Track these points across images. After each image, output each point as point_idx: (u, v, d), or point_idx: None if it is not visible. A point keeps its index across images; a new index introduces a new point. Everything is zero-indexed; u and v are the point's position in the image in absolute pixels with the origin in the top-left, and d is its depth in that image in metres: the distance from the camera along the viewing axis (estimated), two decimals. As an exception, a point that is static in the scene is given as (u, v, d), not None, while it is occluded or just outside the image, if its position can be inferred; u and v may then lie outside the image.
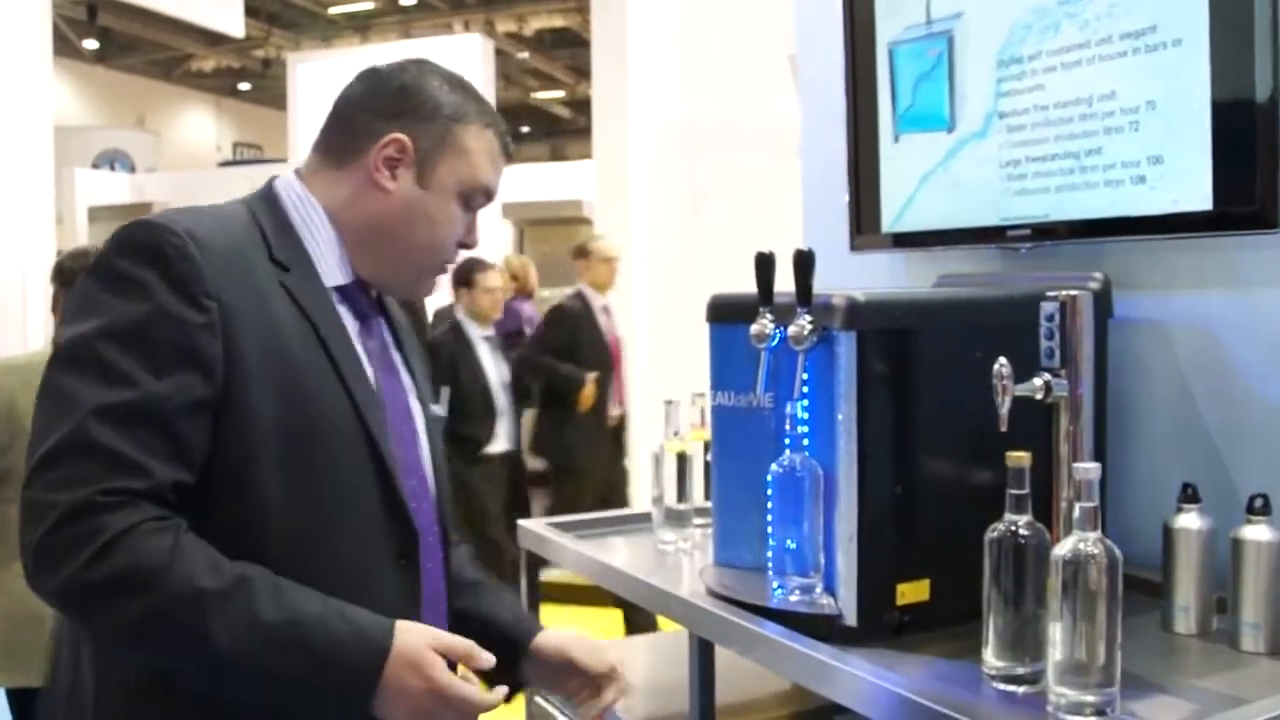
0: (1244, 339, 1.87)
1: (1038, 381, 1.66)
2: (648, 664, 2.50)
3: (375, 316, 1.64)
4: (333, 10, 15.41)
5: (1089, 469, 1.40)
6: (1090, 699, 1.39)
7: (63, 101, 15.32)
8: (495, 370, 5.34)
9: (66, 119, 13.01)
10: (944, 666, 1.60)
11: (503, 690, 1.49)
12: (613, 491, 5.78)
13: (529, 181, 10.98)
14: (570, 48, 16.25)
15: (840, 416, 1.71)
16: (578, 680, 1.75)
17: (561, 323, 5.77)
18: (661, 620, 2.78)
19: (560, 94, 19.27)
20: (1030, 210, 2.08)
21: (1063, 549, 1.39)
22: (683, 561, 2.24)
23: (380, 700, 1.37)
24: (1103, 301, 1.88)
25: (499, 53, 12.40)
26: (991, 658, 1.51)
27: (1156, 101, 1.86)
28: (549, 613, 2.56)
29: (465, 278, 5.33)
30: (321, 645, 1.35)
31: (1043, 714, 1.41)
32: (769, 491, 1.80)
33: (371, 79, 1.61)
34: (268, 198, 1.57)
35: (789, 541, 1.77)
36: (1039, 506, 1.50)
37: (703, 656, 1.85)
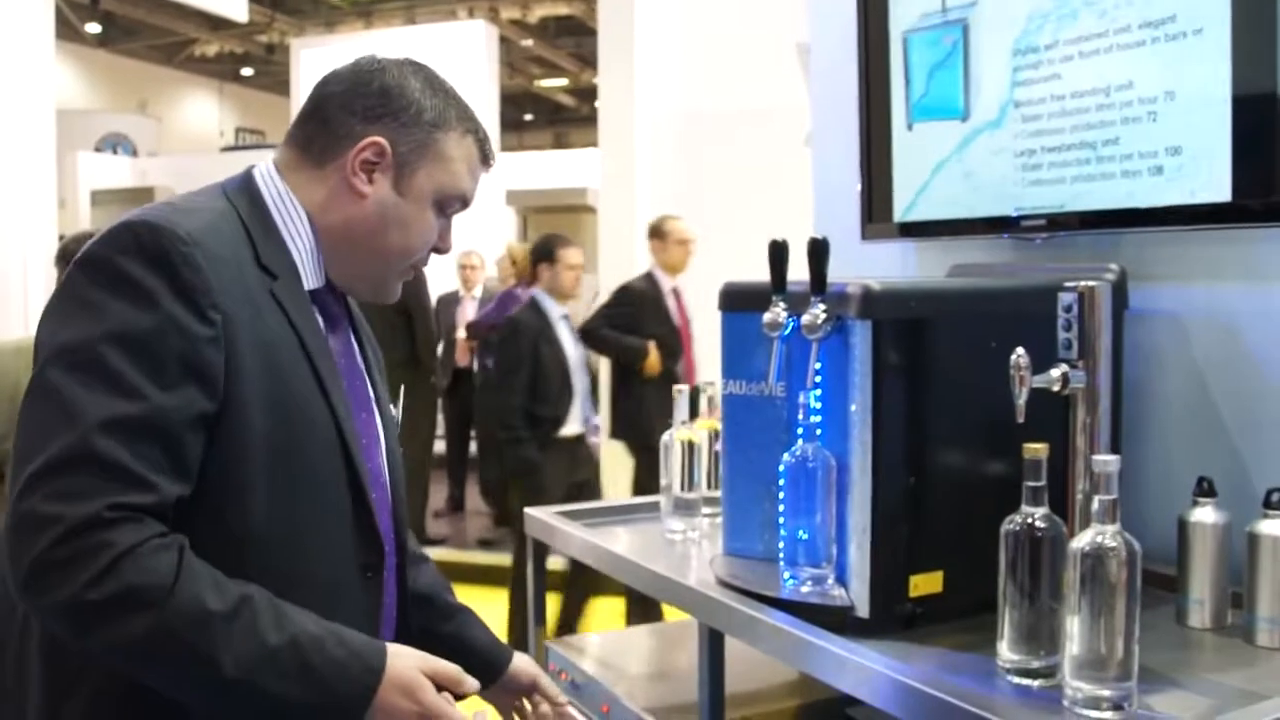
0: (1261, 332, 1.86)
1: (1055, 373, 1.64)
2: (653, 653, 2.49)
3: (342, 319, 1.62)
4: (337, -4, 15.39)
5: (1108, 461, 1.39)
6: (1107, 693, 1.38)
7: (65, 85, 15.28)
8: (574, 350, 5.18)
9: (68, 103, 12.97)
10: (957, 659, 1.58)
11: (483, 714, 1.52)
12: None
13: (533, 169, 10.98)
14: (575, 35, 16.21)
15: (854, 406, 1.69)
16: (538, 707, 1.83)
17: (627, 301, 5.62)
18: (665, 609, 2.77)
19: (564, 82, 19.23)
20: (1045, 200, 2.07)
21: (1081, 542, 1.38)
22: (691, 551, 2.23)
23: None
24: (1119, 293, 1.87)
25: (503, 40, 12.36)
26: (1007, 651, 1.50)
27: (1176, 92, 1.84)
28: (554, 602, 2.55)
29: (547, 253, 5.16)
30: (319, 668, 1.34)
31: (1059, 708, 1.40)
32: (781, 481, 1.79)
33: (352, 77, 1.56)
34: (248, 191, 1.53)
35: (801, 532, 1.76)
36: (1053, 499, 1.49)
37: (713, 647, 1.84)
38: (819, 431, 1.75)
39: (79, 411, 1.28)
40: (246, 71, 19.26)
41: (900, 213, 2.38)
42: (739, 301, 1.95)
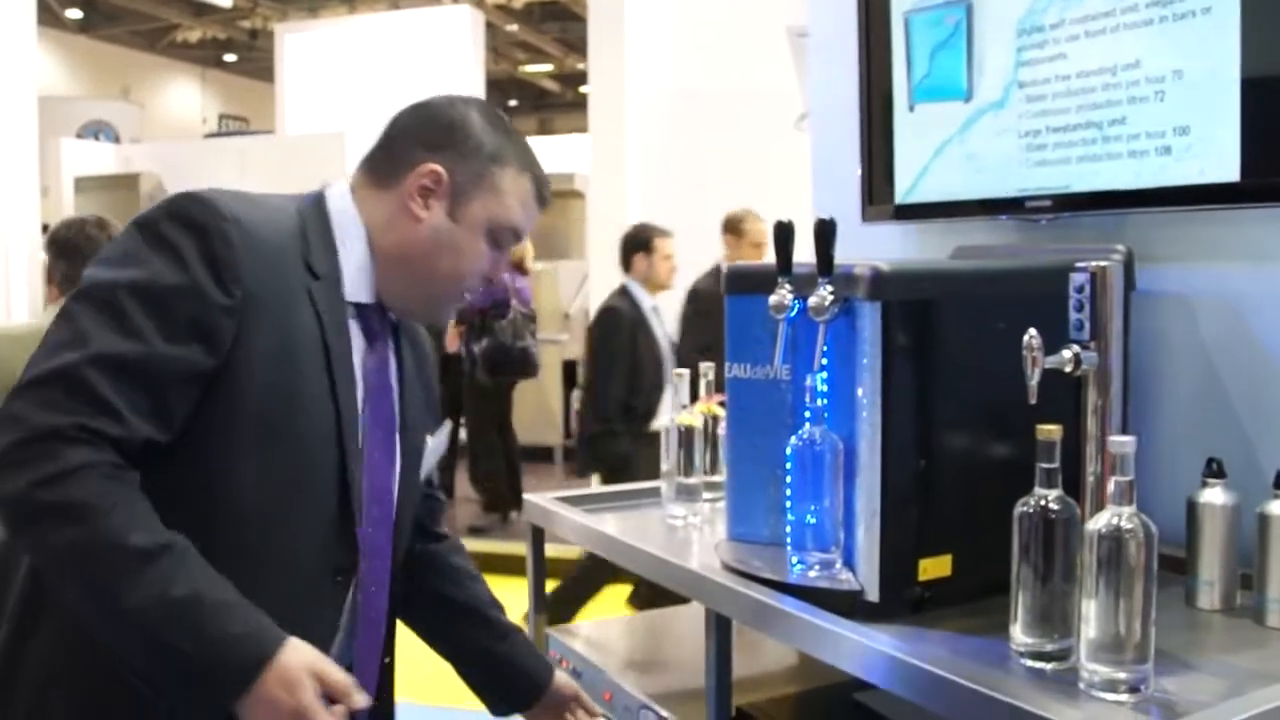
0: (1269, 313, 1.85)
1: (1067, 354, 1.63)
2: (654, 640, 2.48)
3: (384, 339, 1.68)
4: (320, -20, 15.28)
5: (1125, 442, 1.38)
6: (1123, 676, 1.37)
7: (46, 72, 15.17)
8: (665, 341, 5.09)
9: (50, 90, 12.87)
10: (969, 643, 1.57)
11: None
12: None
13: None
14: (560, 20, 16.15)
15: (863, 389, 1.68)
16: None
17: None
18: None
19: (549, 67, 19.17)
20: (1050, 181, 2.05)
21: (1098, 524, 1.37)
22: (693, 536, 2.21)
23: (246, 704, 1.39)
24: (1126, 274, 1.85)
25: (488, 25, 12.30)
26: (1020, 634, 1.48)
27: (1184, 71, 1.83)
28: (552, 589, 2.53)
29: (644, 243, 5.07)
30: (212, 633, 1.38)
31: (1075, 691, 1.39)
32: (788, 465, 1.77)
33: (422, 110, 1.67)
34: (318, 204, 1.63)
35: (809, 516, 1.75)
36: (1063, 481, 1.47)
37: (720, 632, 1.82)
38: (825, 415, 1.74)
39: (84, 340, 1.39)
40: (229, 58, 19.15)
41: (902, 194, 2.36)
42: (743, 284, 1.93)
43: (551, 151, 11.36)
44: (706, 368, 2.36)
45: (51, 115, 11.31)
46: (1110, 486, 1.38)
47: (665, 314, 5.37)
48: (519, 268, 7.29)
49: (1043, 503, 1.46)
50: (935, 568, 1.70)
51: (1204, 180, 1.82)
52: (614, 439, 4.77)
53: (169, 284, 1.43)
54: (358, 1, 14.81)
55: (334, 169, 8.35)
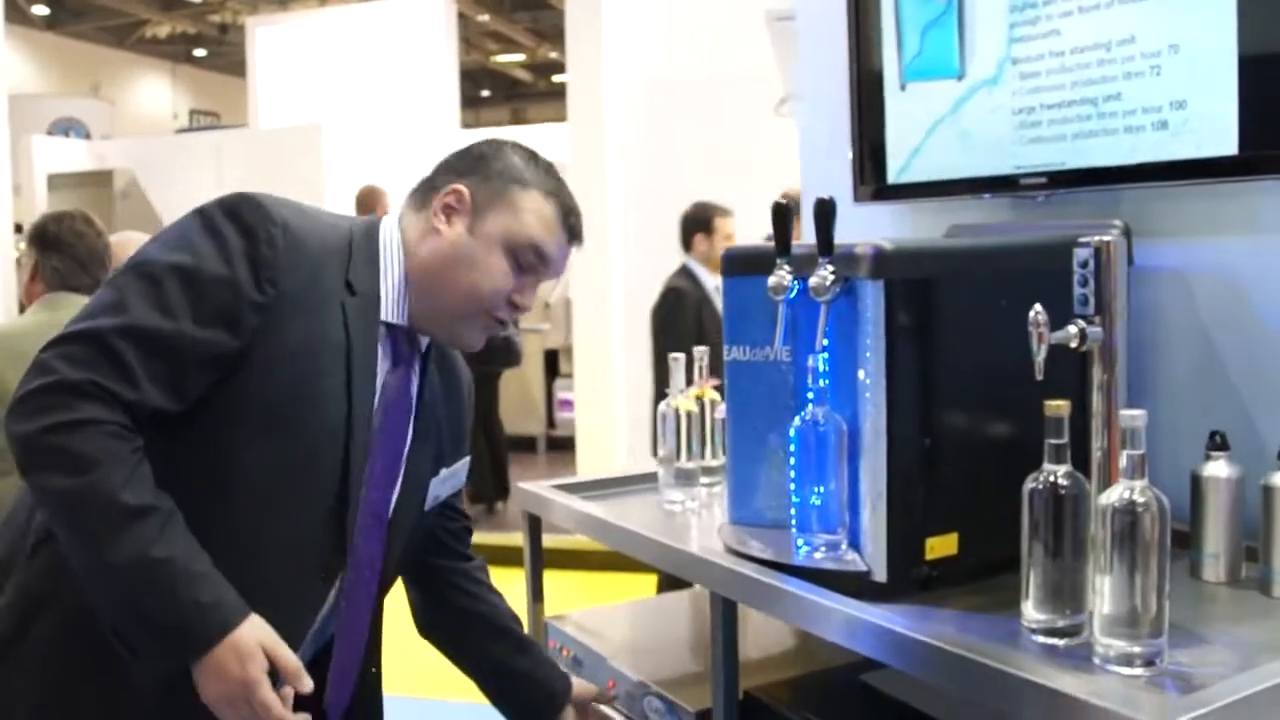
0: (1267, 286, 1.85)
1: (1072, 329, 1.63)
2: (653, 626, 2.47)
3: (410, 362, 1.75)
4: (290, -27, 15.17)
5: (1136, 415, 1.38)
6: (1138, 650, 1.37)
7: (13, 70, 15.00)
8: None
9: (18, 88, 12.73)
10: (979, 620, 1.56)
11: (305, 717, 1.55)
12: None
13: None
14: (531, 10, 16.08)
15: (867, 368, 1.67)
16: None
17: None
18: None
19: (521, 57, 19.10)
20: (1046, 158, 2.05)
21: (1111, 498, 1.37)
22: (691, 521, 2.21)
23: (200, 670, 1.49)
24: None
25: (459, 15, 12.23)
26: (1032, 611, 1.48)
27: (1180, 45, 1.82)
28: (555, 578, 2.52)
29: (704, 223, 5.02)
30: (181, 597, 1.46)
31: (1089, 665, 1.39)
32: (791, 447, 1.77)
33: (465, 147, 1.78)
34: (370, 225, 1.73)
35: (814, 498, 1.74)
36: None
37: (726, 616, 1.82)
38: (827, 396, 1.73)
39: (122, 309, 1.51)
40: (199, 52, 19.02)
41: (894, 174, 2.35)
42: (741, 266, 1.92)
43: (527, 141, 11.35)
44: (701, 352, 2.35)
45: (21, 113, 11.18)
46: (1122, 461, 1.38)
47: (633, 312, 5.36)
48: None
49: (1052, 479, 1.45)
50: (942, 546, 1.70)
51: (1201, 154, 1.81)
52: None
53: (211, 273, 1.54)
54: (328, -7, 14.73)
55: (311, 162, 8.32)
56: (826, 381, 1.73)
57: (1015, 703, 1.36)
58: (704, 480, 2.31)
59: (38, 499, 1.54)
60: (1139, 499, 1.35)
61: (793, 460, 1.76)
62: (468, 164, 1.74)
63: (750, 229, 4.87)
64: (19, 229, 8.40)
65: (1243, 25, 1.74)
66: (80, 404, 1.45)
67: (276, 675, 1.51)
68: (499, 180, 1.71)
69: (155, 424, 1.52)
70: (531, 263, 1.72)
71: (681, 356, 2.29)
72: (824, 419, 1.72)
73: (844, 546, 1.73)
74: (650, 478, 2.46)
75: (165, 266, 1.55)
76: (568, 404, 8.82)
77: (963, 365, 1.71)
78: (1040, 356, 1.56)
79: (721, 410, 2.28)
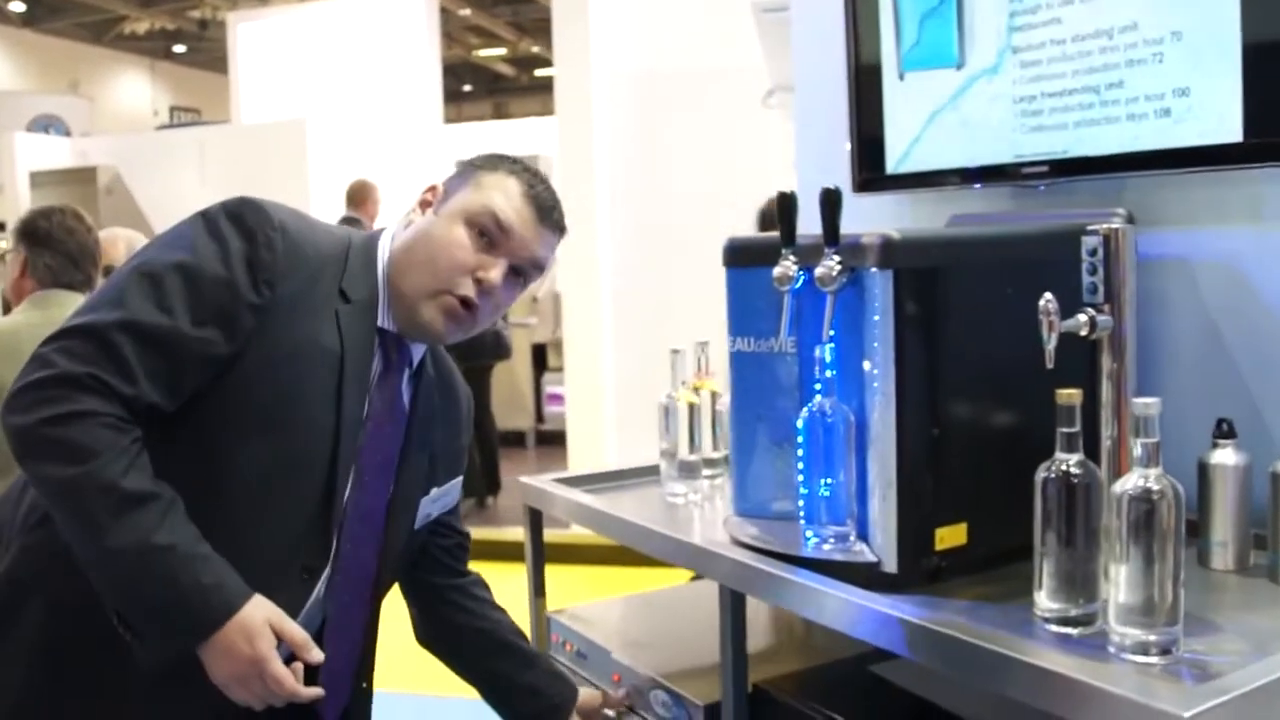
0: (1271, 274, 1.85)
1: (1082, 317, 1.62)
2: (656, 619, 2.46)
3: (400, 371, 1.77)
4: (270, -32, 15.08)
5: (1150, 403, 1.37)
6: (1153, 638, 1.36)
7: (-9, 67, 14.94)
8: None
9: (-3, 84, 12.68)
10: (991, 610, 1.56)
11: (317, 691, 1.60)
12: None
13: (481, 138, 10.88)
14: (512, 4, 16.04)
15: (875, 358, 1.66)
16: None
17: None
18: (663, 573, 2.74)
19: (502, 51, 19.05)
20: (1047, 147, 2.04)
21: (1127, 486, 1.36)
22: (694, 514, 2.20)
23: (207, 652, 1.52)
24: (1128, 237, 1.85)
25: (441, 10, 12.18)
26: (1046, 600, 1.48)
27: (1183, 32, 1.82)
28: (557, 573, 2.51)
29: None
30: (185, 581, 1.49)
31: (1104, 654, 1.38)
32: (799, 438, 1.76)
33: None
34: (371, 237, 1.77)
35: (822, 489, 1.73)
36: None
37: (735, 609, 1.81)
38: (834, 386, 1.73)
39: (122, 304, 1.54)
40: (179, 49, 18.91)
41: (893, 164, 2.35)
42: (744, 257, 1.91)
43: (514, 135, 11.33)
44: (701, 344, 2.34)
45: None
46: (1136, 449, 1.37)
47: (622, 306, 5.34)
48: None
49: (1065, 467, 1.45)
50: (951, 536, 1.69)
51: (1205, 142, 1.81)
52: None
53: (210, 274, 1.57)
54: (309, -12, 14.64)
55: (296, 157, 8.29)
56: (834, 372, 1.72)
57: (1031, 692, 1.36)
58: (706, 473, 2.31)
59: (38, 489, 1.56)
60: (1154, 487, 1.35)
61: (800, 452, 1.76)
62: (453, 172, 1.80)
63: (740, 221, 4.87)
64: (1, 227, 8.35)
65: (1246, 12, 1.74)
66: (79, 396, 1.48)
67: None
68: (469, 171, 1.76)
69: (149, 420, 1.55)
70: (491, 231, 1.71)
71: (685, 349, 2.28)
72: (832, 410, 1.72)
73: (852, 538, 1.72)
74: (650, 471, 2.46)
75: (165, 265, 1.58)
76: (556, 398, 8.80)
77: (970, 355, 1.70)
78: (1051, 345, 1.56)
79: (723, 402, 2.27)
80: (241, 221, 1.62)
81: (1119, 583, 1.37)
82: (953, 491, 1.69)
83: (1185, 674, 1.34)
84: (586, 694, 2.10)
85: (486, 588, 2.09)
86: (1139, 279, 1.85)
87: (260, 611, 1.54)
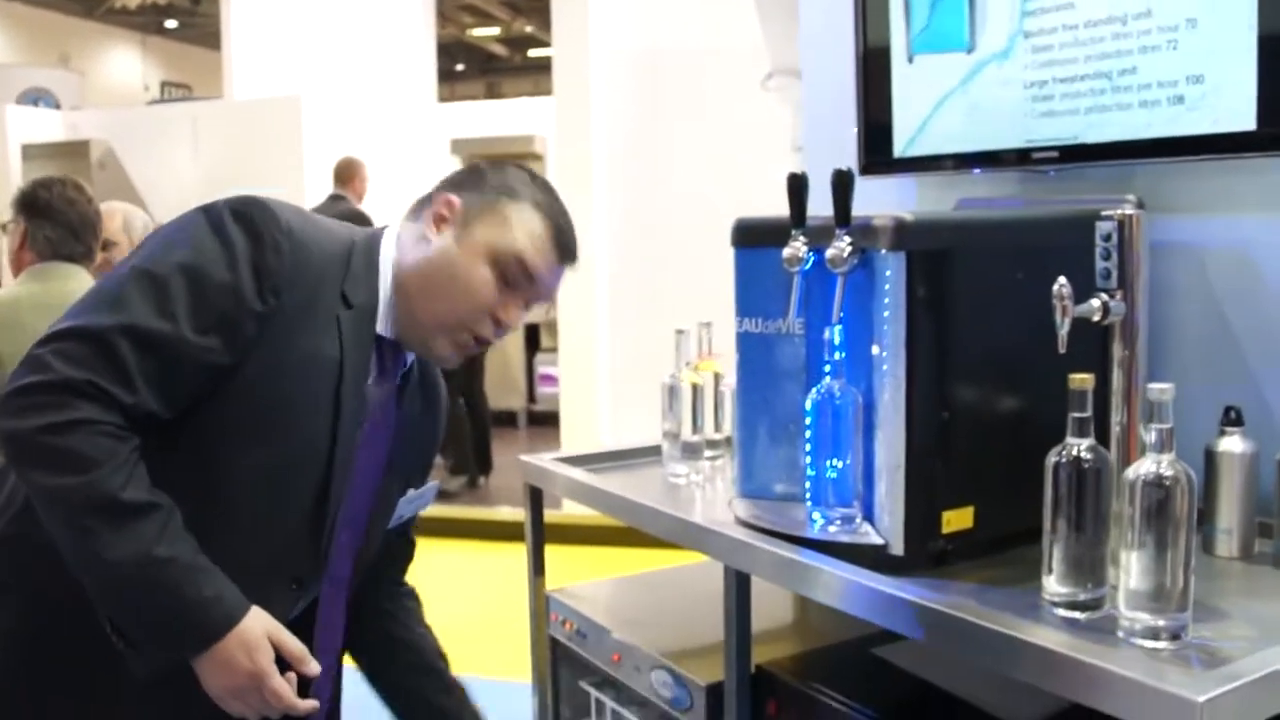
0: (1280, 262, 1.85)
1: (1095, 303, 1.62)
2: (658, 599, 2.46)
3: (393, 377, 1.73)
4: (264, -57, 14.96)
5: (1164, 389, 1.37)
6: (1163, 623, 1.36)
7: (-18, 38, 14.83)
8: None
9: (-15, 57, 12.59)
10: (997, 594, 1.56)
11: (314, 703, 1.60)
12: None
13: (475, 118, 10.84)
14: (507, -17, 15.96)
15: (884, 341, 1.66)
16: None
17: None
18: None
19: (496, 31, 18.96)
20: (1058, 132, 2.04)
21: (1140, 471, 1.36)
22: (696, 494, 2.20)
23: (204, 664, 1.50)
24: (1138, 224, 1.84)
25: (436, -12, 12.11)
26: (1055, 584, 1.48)
27: (1198, 19, 1.81)
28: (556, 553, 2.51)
29: None
30: (186, 593, 1.47)
31: (1113, 639, 1.39)
32: (807, 420, 1.76)
33: (466, 166, 1.79)
34: (373, 237, 1.71)
35: (829, 471, 1.73)
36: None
37: (739, 590, 1.81)
38: (842, 368, 1.72)
39: (125, 307, 1.49)
40: (170, 24, 18.78)
41: (901, 148, 2.34)
42: (753, 237, 1.91)
43: (509, 115, 11.31)
44: (705, 325, 2.34)
45: (-13, 83, 11.05)
46: (1150, 435, 1.37)
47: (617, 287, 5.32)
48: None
49: (1075, 452, 1.45)
50: (958, 520, 1.69)
51: (1219, 129, 1.81)
52: None
53: (215, 278, 1.52)
54: (304, -36, 14.54)
55: (290, 134, 8.23)
56: (843, 354, 1.72)
57: (1040, 675, 1.36)
58: (708, 454, 2.31)
59: (33, 495, 1.50)
60: (1168, 473, 1.35)
61: (808, 433, 1.75)
62: (464, 178, 1.74)
63: (736, 204, 4.86)
64: (-9, 199, 8.31)
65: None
66: (78, 403, 1.44)
67: (283, 663, 1.54)
68: (491, 193, 1.69)
69: (145, 427, 1.51)
70: (517, 279, 1.68)
71: (690, 330, 2.27)
72: (840, 392, 1.71)
73: (858, 520, 1.72)
74: (649, 451, 2.46)
75: (169, 267, 1.53)
76: (549, 379, 8.80)
77: (980, 339, 1.70)
78: (1064, 329, 1.56)
79: (726, 384, 2.27)
80: (248, 223, 1.56)
81: (1130, 568, 1.37)
82: (960, 475, 1.69)
83: (1194, 659, 1.34)
84: None
85: (420, 604, 2.04)
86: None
87: (259, 624, 1.52)
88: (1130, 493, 1.36)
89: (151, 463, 1.50)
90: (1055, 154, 2.04)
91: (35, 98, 13.01)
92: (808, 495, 1.77)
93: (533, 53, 19.13)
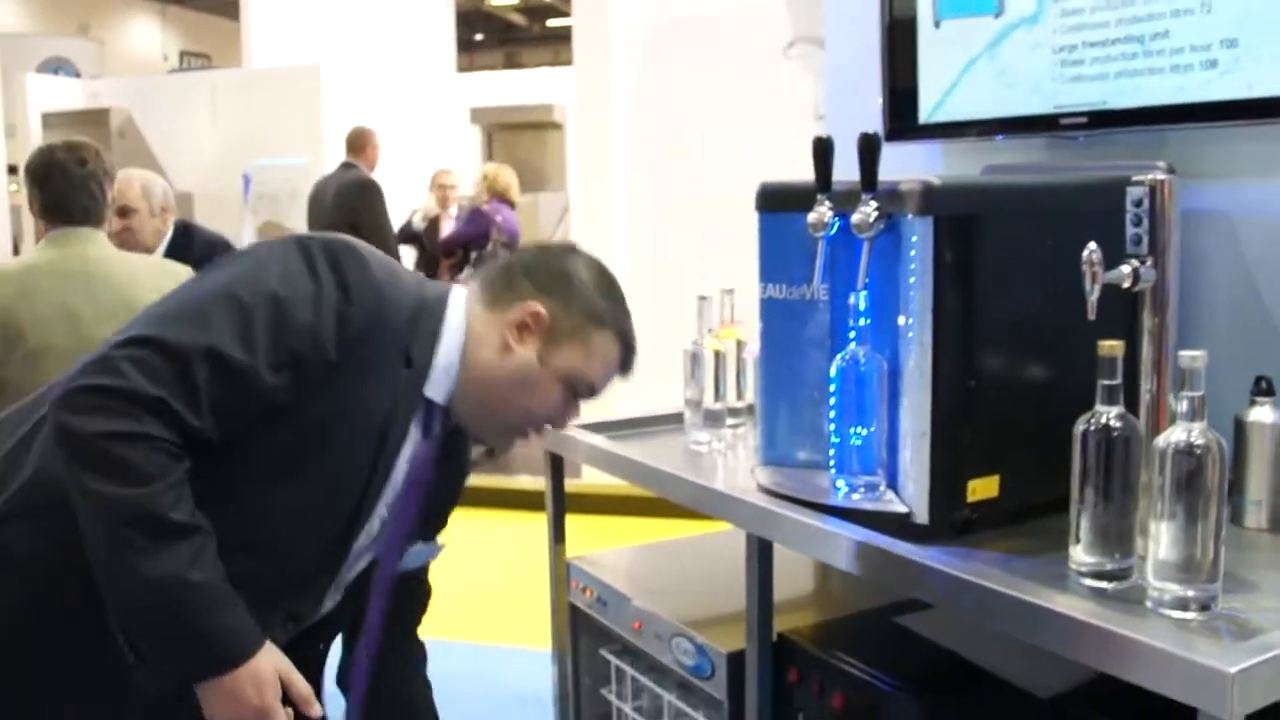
0: (1314, 230, 1.82)
1: (1125, 269, 1.60)
2: (678, 567, 2.45)
3: (435, 440, 1.71)
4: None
5: (1196, 356, 1.35)
6: (1193, 594, 1.35)
7: (2, 9, 14.83)
8: None
9: (5, 26, 12.58)
10: (1023, 563, 1.55)
11: None
12: None
13: (495, 87, 10.81)
14: (527, -48, 15.88)
15: (911, 307, 1.64)
16: None
17: None
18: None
19: (515, 0, 18.90)
20: (1087, 97, 2.01)
21: (1171, 440, 1.34)
22: (718, 462, 2.19)
23: (211, 691, 1.48)
24: (1169, 190, 1.82)
25: (456, -44, 12.07)
26: (1081, 553, 1.46)
27: (1232, -20, 1.78)
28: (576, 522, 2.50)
29: None
30: (209, 620, 1.46)
31: (1141, 609, 1.37)
32: (831, 387, 1.74)
33: (545, 253, 1.79)
34: (441, 298, 1.69)
35: (853, 438, 1.72)
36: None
37: (762, 558, 1.80)
38: (867, 335, 1.71)
39: (210, 329, 1.48)
40: (190, -7, 18.78)
41: (927, 113, 2.31)
42: (778, 202, 1.88)
43: (528, 84, 11.27)
44: (728, 292, 2.32)
45: (8, 52, 11.05)
46: (1181, 405, 1.35)
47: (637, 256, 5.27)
48: (504, 199, 7.21)
49: (1104, 420, 1.43)
50: (983, 488, 1.67)
51: (1253, 94, 1.77)
52: None
53: (298, 318, 1.52)
54: (323, -67, 14.49)
55: (310, 103, 8.22)
56: (868, 320, 1.70)
57: (1067, 644, 1.35)
58: (730, 421, 2.29)
59: (77, 496, 1.47)
60: (1199, 441, 1.33)
61: (833, 400, 1.74)
62: (549, 280, 1.71)
63: (757, 172, 4.82)
64: (14, 170, 8.31)
65: (1300, -40, 1.70)
66: (144, 417, 1.43)
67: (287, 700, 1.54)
68: (579, 315, 1.70)
69: (194, 447, 1.50)
70: (583, 394, 1.74)
71: (712, 297, 2.26)
72: (865, 358, 1.70)
73: (882, 487, 1.71)
74: (670, 419, 2.45)
75: (258, 295, 1.52)
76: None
77: (1007, 305, 1.68)
78: (1094, 296, 1.53)
79: (749, 350, 2.25)
80: (340, 270, 1.57)
81: (1159, 538, 1.36)
82: (986, 443, 1.68)
83: (1225, 630, 1.32)
84: None
85: (426, 659, 2.02)
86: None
87: (271, 661, 1.52)
88: (1160, 461, 1.34)
89: (193, 484, 1.50)
90: (1084, 119, 2.01)
91: (55, 67, 13.04)
92: (831, 462, 1.76)
93: (552, 22, 19.06)
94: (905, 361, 1.66)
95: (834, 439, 1.75)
